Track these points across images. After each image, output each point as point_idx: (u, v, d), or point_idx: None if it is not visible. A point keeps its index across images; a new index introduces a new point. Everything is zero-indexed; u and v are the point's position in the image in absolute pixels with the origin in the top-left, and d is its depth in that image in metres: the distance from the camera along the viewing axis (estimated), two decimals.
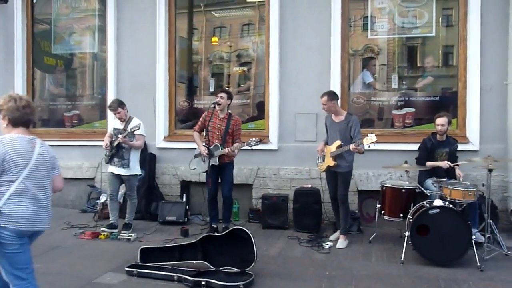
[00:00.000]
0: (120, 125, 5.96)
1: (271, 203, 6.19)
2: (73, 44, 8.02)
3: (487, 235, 4.71)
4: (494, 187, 5.63)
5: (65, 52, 8.09)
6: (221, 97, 5.73)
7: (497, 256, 4.75)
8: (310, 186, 6.27)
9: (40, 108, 8.15)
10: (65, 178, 7.41)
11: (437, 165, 5.40)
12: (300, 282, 4.17)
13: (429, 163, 5.45)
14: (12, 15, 7.90)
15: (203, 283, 4.00)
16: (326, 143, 5.55)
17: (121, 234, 5.63)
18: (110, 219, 6.01)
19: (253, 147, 5.64)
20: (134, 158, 5.93)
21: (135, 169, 5.94)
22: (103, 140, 6.01)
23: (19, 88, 7.89)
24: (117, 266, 4.57)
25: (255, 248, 4.22)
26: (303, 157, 6.45)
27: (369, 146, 5.03)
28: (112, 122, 6.25)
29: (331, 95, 5.43)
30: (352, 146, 5.06)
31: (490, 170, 4.71)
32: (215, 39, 7.44)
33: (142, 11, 7.25)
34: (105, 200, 6.77)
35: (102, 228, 5.88)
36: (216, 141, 5.70)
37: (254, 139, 5.59)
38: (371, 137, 4.96)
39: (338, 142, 5.30)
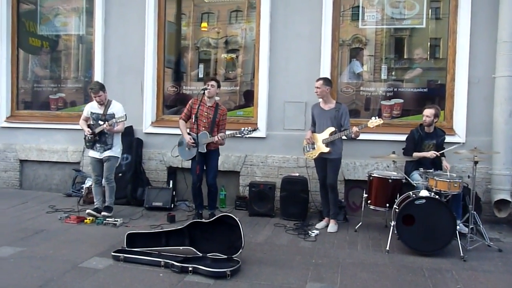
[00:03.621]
0: (98, 109, 5.87)
1: (258, 191, 6.19)
2: (59, 25, 7.84)
3: (471, 226, 4.80)
4: (478, 179, 5.71)
5: (51, 33, 7.91)
6: (211, 85, 5.67)
7: (479, 246, 4.84)
8: (297, 174, 6.29)
9: (23, 90, 8.00)
10: (50, 162, 7.50)
11: (423, 156, 5.44)
12: (286, 270, 4.19)
13: (416, 154, 5.49)
14: None
15: (190, 269, 3.99)
16: (313, 132, 5.58)
17: (107, 219, 5.58)
18: (95, 203, 5.97)
19: (246, 136, 5.62)
20: (117, 142, 5.92)
21: (116, 151, 5.92)
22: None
23: (3, 69, 7.75)
24: (103, 251, 4.53)
25: (242, 235, 4.22)
26: (291, 145, 6.45)
27: (373, 127, 5.18)
28: (89, 105, 6.05)
29: (327, 81, 5.55)
30: (355, 129, 5.16)
31: (476, 162, 4.76)
32: (204, 24, 7.34)
33: None
34: (91, 185, 6.70)
35: (88, 211, 5.81)
36: (203, 128, 5.66)
37: (247, 128, 5.57)
38: (377, 120, 5.15)
39: (331, 129, 5.37)
